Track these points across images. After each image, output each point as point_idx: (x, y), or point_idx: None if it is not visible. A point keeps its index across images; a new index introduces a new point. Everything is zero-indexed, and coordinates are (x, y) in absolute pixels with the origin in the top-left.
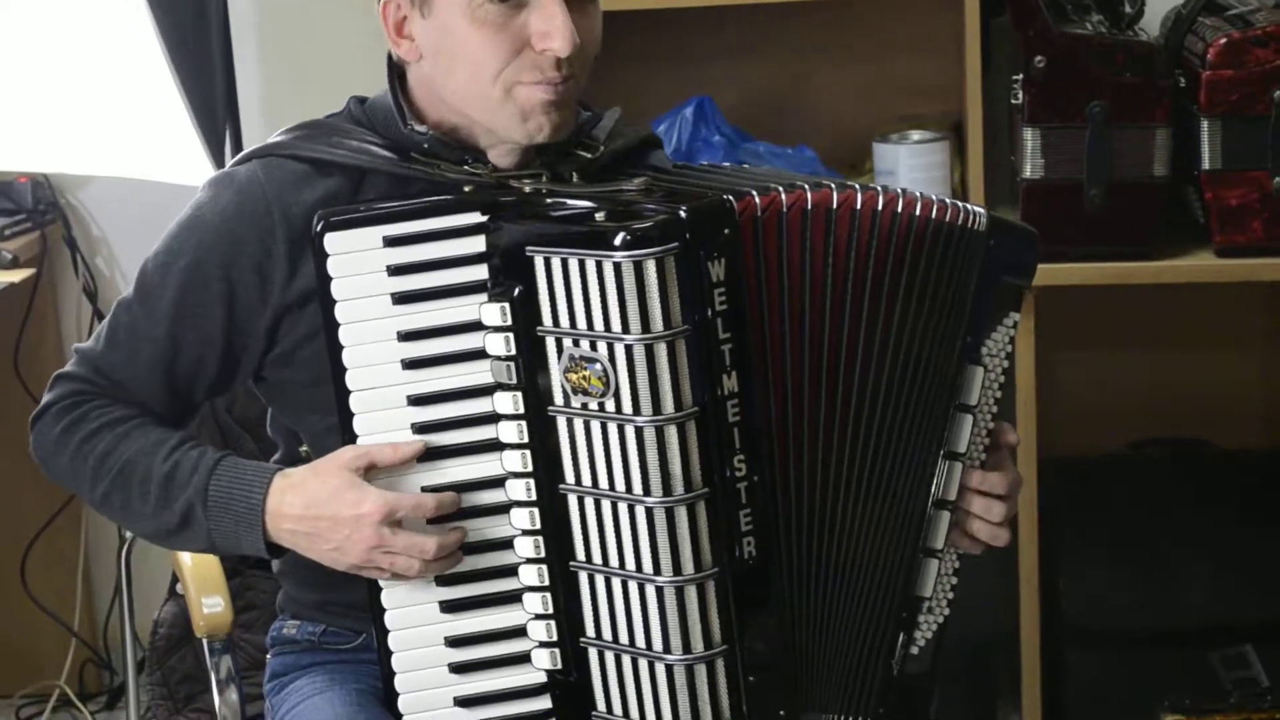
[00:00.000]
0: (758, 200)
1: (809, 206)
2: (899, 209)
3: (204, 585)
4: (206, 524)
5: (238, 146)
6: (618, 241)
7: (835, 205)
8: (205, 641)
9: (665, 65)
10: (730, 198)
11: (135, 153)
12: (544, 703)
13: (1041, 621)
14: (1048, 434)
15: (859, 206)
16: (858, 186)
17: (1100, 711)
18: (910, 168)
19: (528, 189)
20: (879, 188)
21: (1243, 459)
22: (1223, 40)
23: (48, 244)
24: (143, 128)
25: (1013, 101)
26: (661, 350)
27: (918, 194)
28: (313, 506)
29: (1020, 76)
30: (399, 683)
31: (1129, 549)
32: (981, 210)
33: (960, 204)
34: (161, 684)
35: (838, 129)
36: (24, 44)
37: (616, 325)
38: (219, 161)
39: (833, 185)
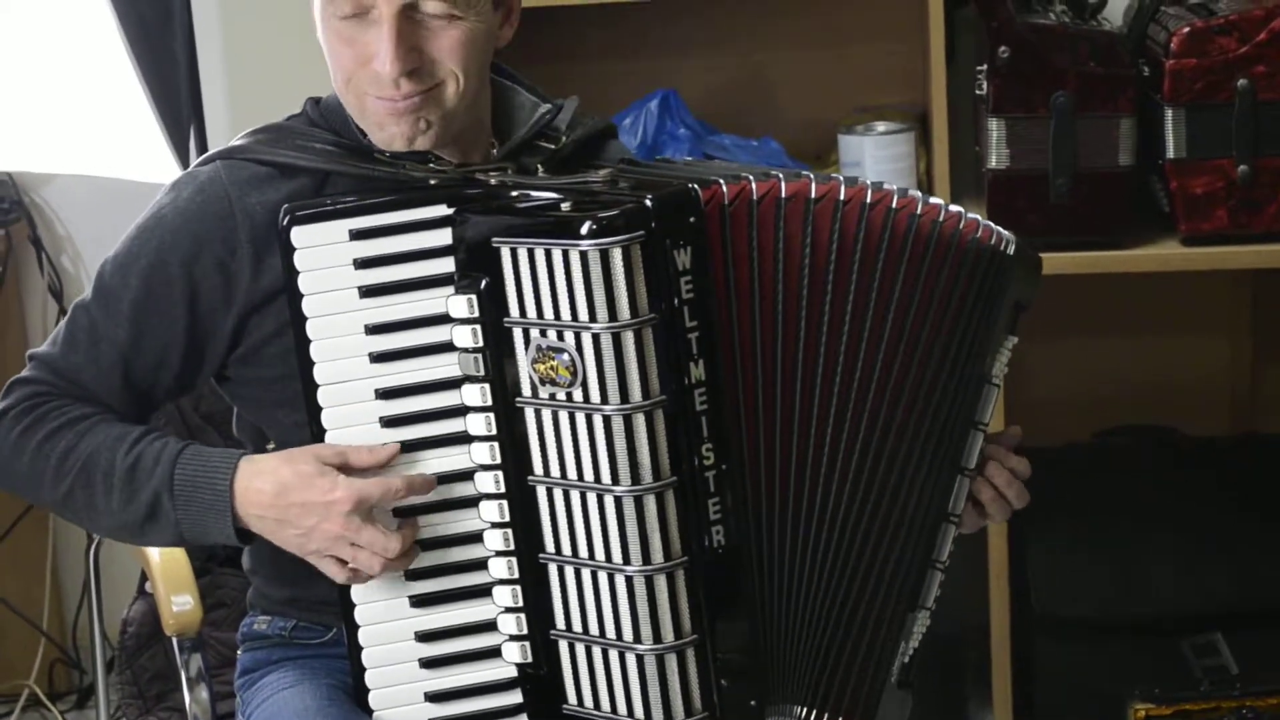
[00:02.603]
0: (725, 189)
1: (783, 195)
2: (894, 204)
3: (173, 583)
4: (174, 514)
5: (202, 143)
6: (584, 230)
7: (814, 196)
8: (175, 640)
9: (630, 59)
10: (696, 186)
11: (100, 150)
12: (514, 697)
13: (1011, 612)
14: (1014, 422)
15: (843, 198)
16: (840, 179)
17: (1070, 701)
18: (876, 159)
19: (494, 182)
20: (872, 183)
21: (1210, 447)
22: (1186, 29)
23: (12, 243)
24: (107, 125)
25: (977, 92)
26: (629, 339)
27: (921, 197)
28: (283, 494)
29: (985, 67)
30: (370, 678)
31: (1098, 538)
32: (1010, 235)
33: (990, 225)
34: (131, 683)
35: (803, 121)
36: None
37: (584, 314)
38: (183, 158)
39: (811, 176)
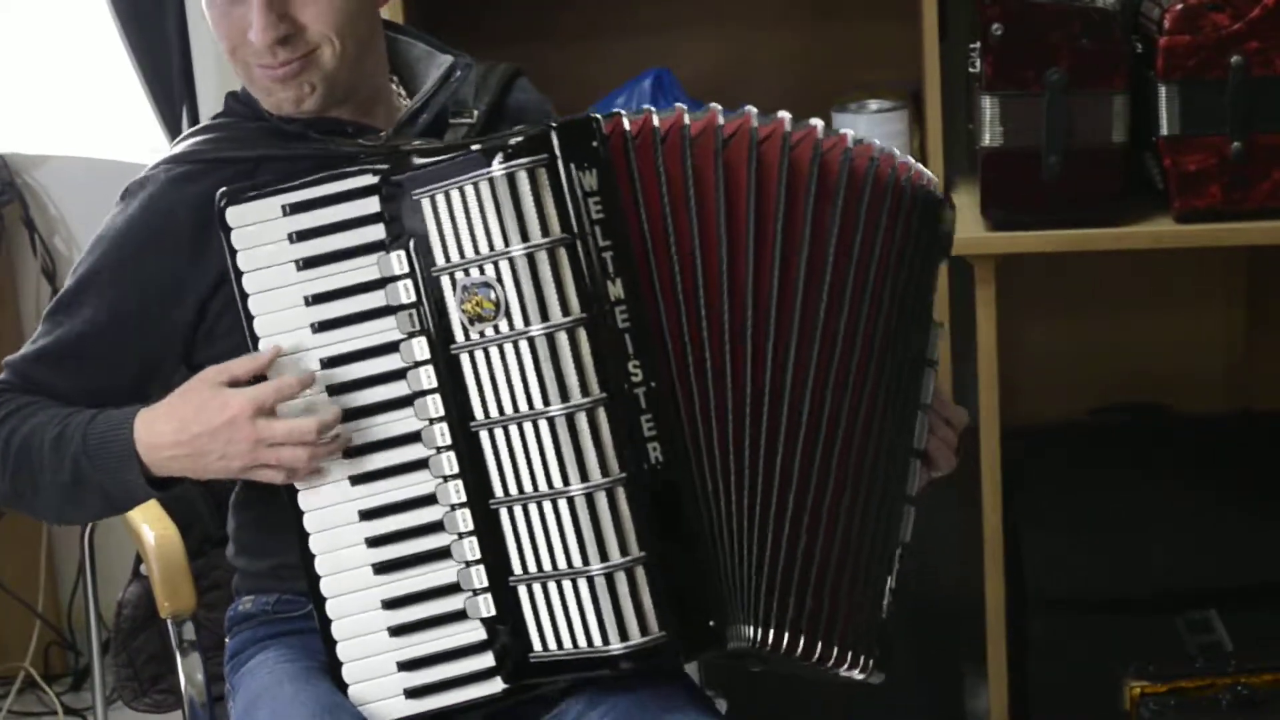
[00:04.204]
0: (627, 121)
1: (685, 125)
2: (820, 138)
3: (168, 564)
4: (95, 475)
5: (194, 123)
6: (492, 162)
7: (724, 129)
8: (169, 621)
9: (623, 37)
10: (598, 116)
11: (92, 131)
12: (486, 660)
13: (1006, 590)
14: (1009, 401)
15: (756, 128)
16: (752, 111)
17: (1066, 679)
18: (869, 136)
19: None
20: (791, 119)
21: (1204, 424)
22: (1179, 6)
23: (5, 224)
24: (99, 106)
25: (971, 69)
26: (543, 259)
27: (850, 134)
28: (184, 427)
29: (978, 44)
30: (341, 650)
31: (1092, 515)
32: (932, 174)
33: (914, 163)
34: (127, 665)
35: (796, 98)
36: None
37: (499, 242)
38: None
39: (719, 110)
